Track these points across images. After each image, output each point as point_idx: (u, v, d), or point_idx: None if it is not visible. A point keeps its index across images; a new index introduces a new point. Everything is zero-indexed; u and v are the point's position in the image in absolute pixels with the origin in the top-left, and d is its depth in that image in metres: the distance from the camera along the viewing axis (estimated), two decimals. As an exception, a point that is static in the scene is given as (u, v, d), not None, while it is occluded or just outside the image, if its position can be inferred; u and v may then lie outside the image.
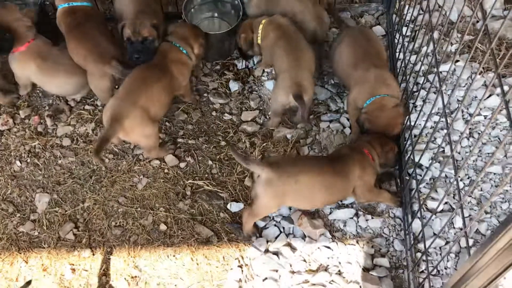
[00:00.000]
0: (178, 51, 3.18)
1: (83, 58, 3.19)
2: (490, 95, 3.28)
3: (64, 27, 3.28)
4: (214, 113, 3.49)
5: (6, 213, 3.08)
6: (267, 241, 2.89)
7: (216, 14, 3.91)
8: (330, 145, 3.28)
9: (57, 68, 3.27)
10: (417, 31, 3.47)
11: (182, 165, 3.23)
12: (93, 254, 2.92)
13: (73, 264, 2.89)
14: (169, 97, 3.12)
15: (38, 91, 3.59)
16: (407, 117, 3.00)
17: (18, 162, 3.28)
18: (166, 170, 3.21)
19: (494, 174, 2.98)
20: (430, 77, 3.42)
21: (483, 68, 3.42)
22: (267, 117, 3.45)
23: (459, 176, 2.93)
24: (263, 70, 3.65)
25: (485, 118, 3.23)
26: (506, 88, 3.25)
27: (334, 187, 2.72)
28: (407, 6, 3.50)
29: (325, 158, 2.95)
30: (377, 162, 2.84)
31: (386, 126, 2.94)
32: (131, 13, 3.28)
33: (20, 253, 2.93)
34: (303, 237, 2.90)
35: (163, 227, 2.99)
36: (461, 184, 2.98)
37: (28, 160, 3.29)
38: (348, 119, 3.35)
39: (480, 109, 3.26)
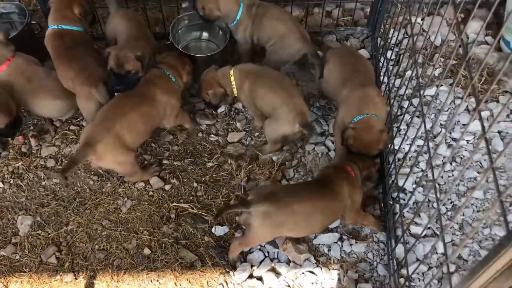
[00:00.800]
0: (167, 79, 3.19)
1: (72, 81, 3.16)
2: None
3: (52, 50, 3.24)
4: (200, 134, 3.49)
5: (-13, 236, 3.03)
6: (252, 266, 2.88)
7: (203, 36, 3.94)
8: (315, 167, 3.29)
9: (42, 90, 3.25)
10: (401, 55, 3.53)
11: (167, 187, 3.22)
12: (76, 279, 2.88)
13: (55, 289, 2.85)
14: (148, 126, 3.08)
15: (22, 110, 3.56)
16: (391, 142, 3.03)
17: (0, 183, 3.24)
18: (150, 193, 3.20)
19: (476, 199, 3.01)
20: (415, 101, 3.47)
21: (465, 92, 3.47)
22: (252, 138, 3.46)
23: (441, 201, 2.96)
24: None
25: (467, 142, 3.28)
26: (486, 113, 3.30)
27: (328, 209, 2.73)
28: (392, 30, 3.55)
29: (315, 182, 2.95)
30: (359, 177, 2.87)
31: (367, 146, 2.99)
32: (123, 39, 3.29)
33: (0, 278, 2.88)
34: (288, 262, 2.89)
35: (147, 251, 2.96)
36: (443, 209, 3.01)
37: (11, 181, 3.25)
38: (333, 142, 3.37)
39: (463, 133, 3.31)
